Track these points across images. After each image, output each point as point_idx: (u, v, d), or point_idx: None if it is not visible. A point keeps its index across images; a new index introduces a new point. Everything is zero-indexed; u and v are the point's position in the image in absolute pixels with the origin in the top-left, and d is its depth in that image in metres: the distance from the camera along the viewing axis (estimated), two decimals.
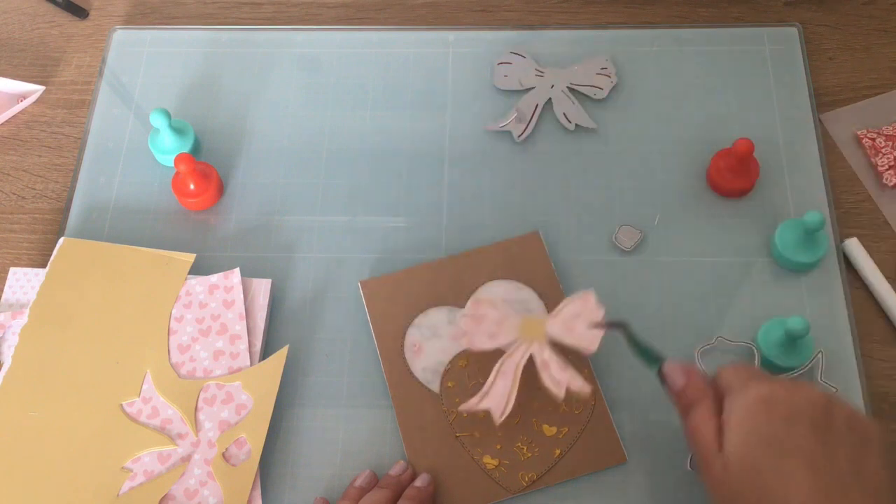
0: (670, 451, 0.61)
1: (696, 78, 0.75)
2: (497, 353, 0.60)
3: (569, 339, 0.59)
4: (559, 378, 0.58)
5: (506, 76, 0.76)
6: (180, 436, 0.62)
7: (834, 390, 0.61)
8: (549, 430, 0.61)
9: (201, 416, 0.62)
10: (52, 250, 0.69)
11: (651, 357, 0.56)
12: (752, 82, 0.75)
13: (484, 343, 0.60)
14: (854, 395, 0.62)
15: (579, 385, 0.58)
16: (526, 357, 0.60)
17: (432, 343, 0.64)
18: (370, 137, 0.74)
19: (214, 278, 0.67)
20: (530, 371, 0.59)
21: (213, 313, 0.65)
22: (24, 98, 0.78)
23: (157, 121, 0.70)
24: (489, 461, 0.60)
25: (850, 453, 0.48)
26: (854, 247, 0.67)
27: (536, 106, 0.74)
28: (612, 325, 0.59)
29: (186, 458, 0.61)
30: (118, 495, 0.60)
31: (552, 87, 0.75)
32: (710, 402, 0.52)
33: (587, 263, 0.68)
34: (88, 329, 0.65)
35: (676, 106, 0.74)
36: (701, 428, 0.51)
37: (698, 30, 0.78)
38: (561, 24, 0.79)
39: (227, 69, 0.78)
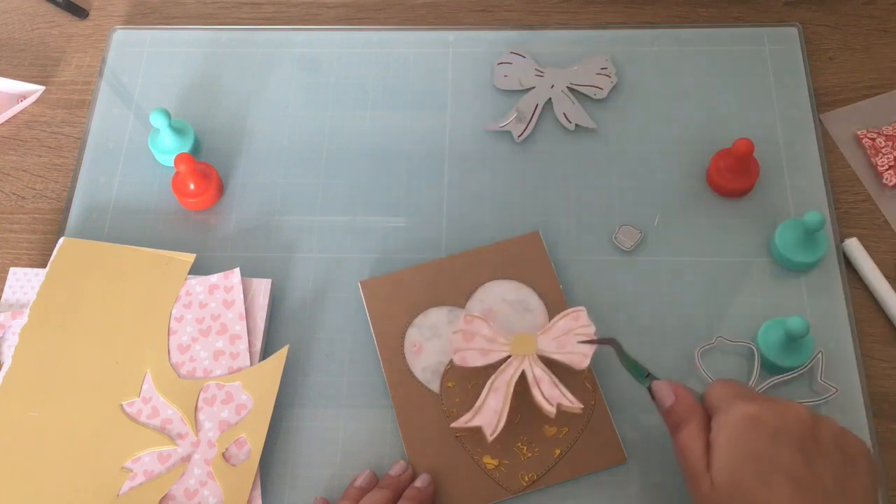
0: (670, 451, 0.60)
1: (696, 78, 0.75)
2: (489, 368, 0.61)
3: (560, 356, 0.60)
4: (550, 395, 0.59)
5: (506, 76, 0.76)
6: (180, 436, 0.62)
7: (834, 390, 0.61)
8: (549, 430, 0.61)
9: (201, 416, 0.62)
10: (52, 250, 0.69)
11: (641, 373, 0.57)
12: (752, 82, 0.75)
13: (476, 359, 0.61)
14: (854, 395, 0.62)
15: (570, 402, 0.58)
16: (518, 373, 0.60)
17: (432, 343, 0.64)
18: (370, 137, 0.74)
19: (214, 278, 0.67)
20: (524, 385, 0.60)
21: (213, 313, 0.65)
22: (24, 98, 0.78)
23: (157, 121, 0.70)
24: (489, 461, 0.60)
25: (837, 471, 0.49)
26: (854, 247, 0.67)
27: (536, 106, 0.74)
28: (603, 341, 0.59)
29: (186, 458, 0.61)
30: (118, 495, 0.60)
31: (552, 87, 0.75)
32: (699, 420, 0.53)
33: (587, 263, 0.68)
34: (88, 329, 0.65)
35: (676, 106, 0.74)
36: (689, 446, 0.52)
37: (698, 30, 0.78)
38: (561, 24, 0.79)
39: (227, 69, 0.78)
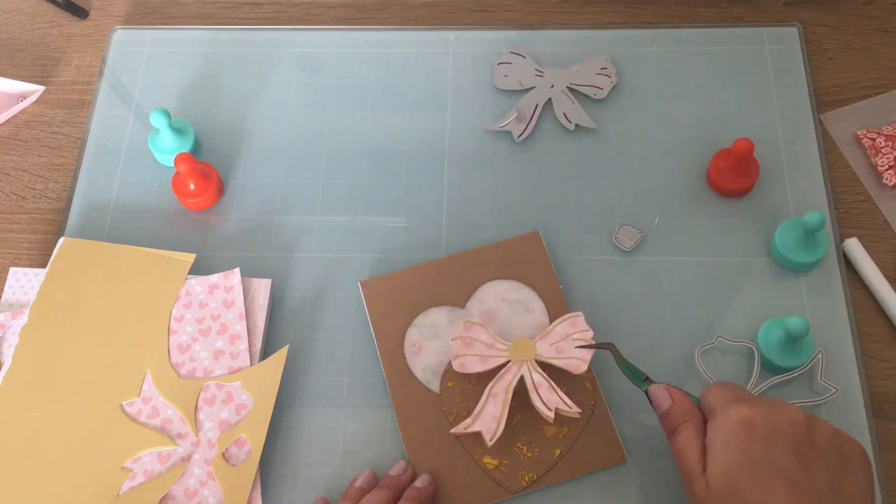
0: (669, 451, 0.61)
1: (696, 78, 0.75)
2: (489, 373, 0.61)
3: (558, 361, 0.60)
4: (548, 400, 0.59)
5: (506, 76, 0.76)
6: (180, 436, 0.62)
7: (834, 391, 0.61)
8: (549, 431, 0.61)
9: (201, 416, 0.62)
10: (52, 250, 0.69)
11: (638, 378, 0.57)
12: (752, 82, 0.75)
13: (475, 365, 0.61)
14: (854, 395, 0.62)
15: (568, 407, 0.58)
16: (517, 379, 0.60)
17: (432, 343, 0.64)
18: (370, 137, 0.74)
19: (214, 278, 0.67)
20: (523, 389, 0.60)
21: (213, 313, 0.65)
22: (24, 98, 0.78)
23: (157, 121, 0.70)
24: (489, 461, 0.60)
25: (832, 473, 0.49)
26: (854, 247, 0.67)
27: (536, 106, 0.74)
28: (601, 345, 0.60)
29: (186, 458, 0.61)
30: (118, 495, 0.60)
31: (552, 87, 0.75)
32: (695, 423, 0.53)
33: (587, 263, 0.68)
34: (88, 329, 0.65)
35: (676, 106, 0.74)
36: (685, 449, 0.52)
37: (698, 30, 0.78)
38: (561, 24, 0.79)
39: (227, 69, 0.78)
